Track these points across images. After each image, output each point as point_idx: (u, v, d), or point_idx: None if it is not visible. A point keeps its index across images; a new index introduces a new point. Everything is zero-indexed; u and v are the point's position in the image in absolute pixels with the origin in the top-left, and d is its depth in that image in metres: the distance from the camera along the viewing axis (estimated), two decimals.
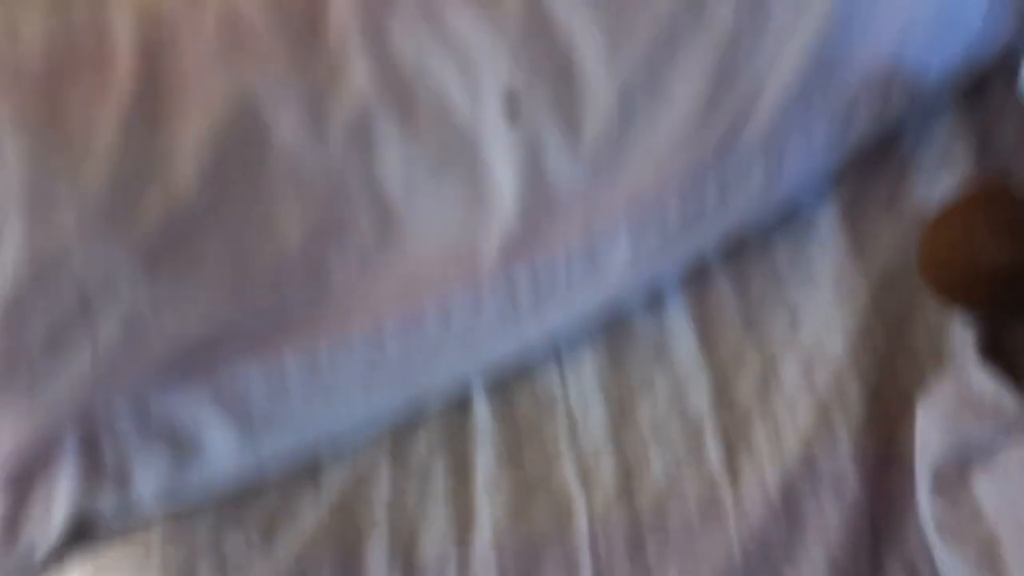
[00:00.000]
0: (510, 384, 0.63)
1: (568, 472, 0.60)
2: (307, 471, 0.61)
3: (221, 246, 0.59)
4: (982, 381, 0.57)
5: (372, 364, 0.61)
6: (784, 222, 0.66)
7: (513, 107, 0.61)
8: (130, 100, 0.57)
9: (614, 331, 0.65)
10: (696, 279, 0.66)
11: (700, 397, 0.62)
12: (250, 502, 0.59)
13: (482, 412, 0.63)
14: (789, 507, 0.57)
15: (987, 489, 0.54)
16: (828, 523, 0.56)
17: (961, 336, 0.61)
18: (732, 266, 0.66)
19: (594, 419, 0.62)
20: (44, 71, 0.57)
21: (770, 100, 0.63)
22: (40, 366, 0.56)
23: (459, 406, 0.63)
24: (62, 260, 0.56)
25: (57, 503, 0.57)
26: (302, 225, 0.60)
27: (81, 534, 0.58)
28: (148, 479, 0.58)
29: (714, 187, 0.63)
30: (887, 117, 0.67)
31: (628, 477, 0.60)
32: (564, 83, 0.62)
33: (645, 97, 0.62)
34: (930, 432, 0.57)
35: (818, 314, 0.63)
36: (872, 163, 0.68)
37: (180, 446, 0.59)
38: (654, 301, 0.65)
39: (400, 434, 0.62)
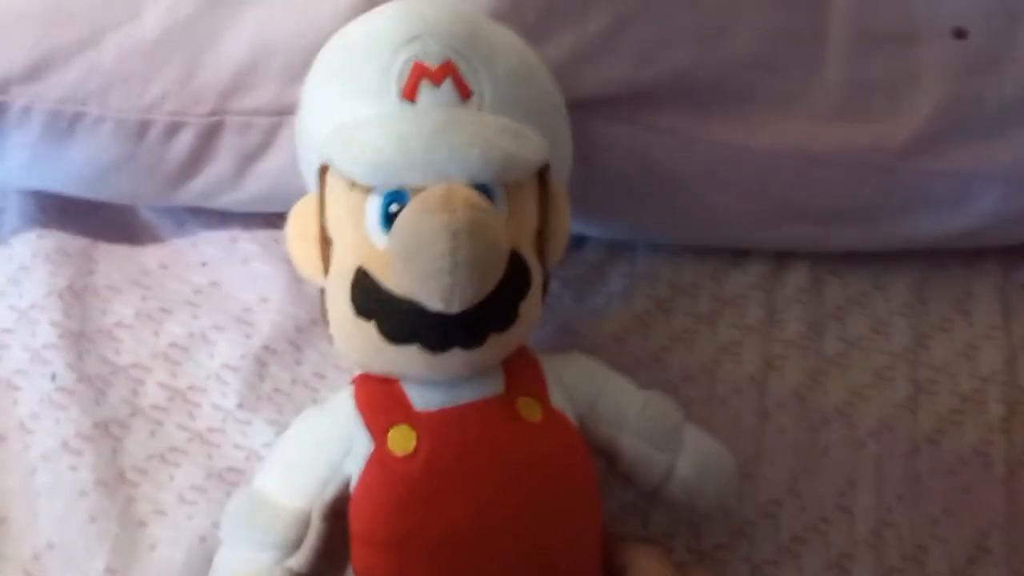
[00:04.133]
0: (828, 266, 0.66)
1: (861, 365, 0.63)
2: None
3: None
4: None
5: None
6: None
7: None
8: None
9: (926, 263, 0.66)
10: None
11: (991, 357, 0.63)
12: None
13: (799, 276, 0.64)
14: None
15: None
16: None
17: None
18: None
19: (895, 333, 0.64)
20: None
21: None
22: None
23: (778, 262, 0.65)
24: None
25: None
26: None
27: None
28: None
29: None
30: None
31: (916, 392, 0.61)
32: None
33: None
34: None
35: None
36: None
37: None
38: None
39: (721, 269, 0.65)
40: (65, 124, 0.51)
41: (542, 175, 0.45)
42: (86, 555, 0.48)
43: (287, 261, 0.56)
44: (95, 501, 0.49)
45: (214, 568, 0.44)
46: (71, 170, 0.53)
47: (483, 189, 0.40)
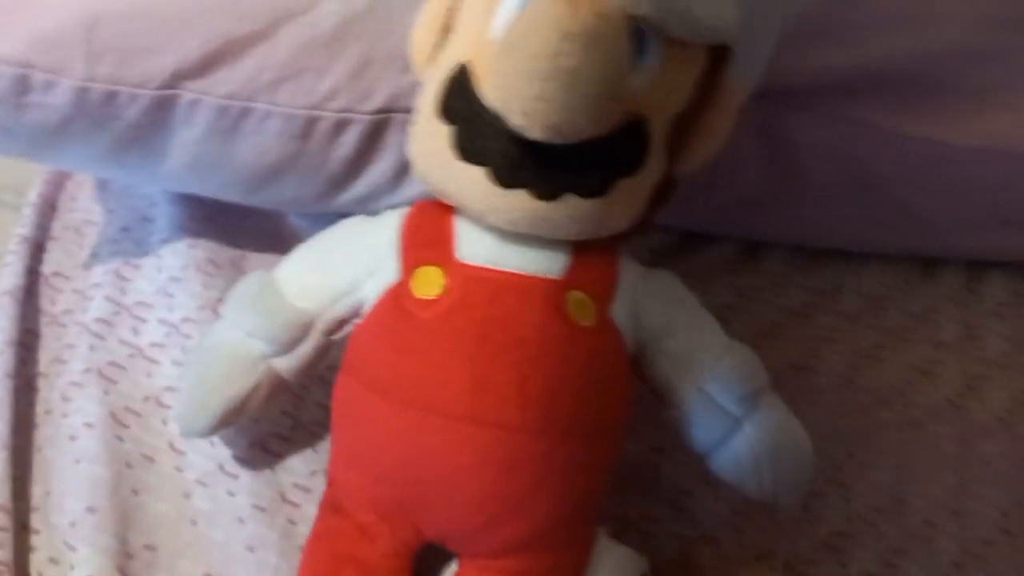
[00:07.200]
0: None
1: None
2: None
3: None
4: None
5: None
6: None
7: None
8: None
9: None
10: None
11: None
12: None
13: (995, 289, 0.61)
14: None
15: None
16: None
17: None
18: None
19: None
20: None
21: None
22: None
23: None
24: None
25: None
26: None
27: None
28: None
29: None
30: None
31: None
32: None
33: None
34: None
35: None
36: None
37: None
38: None
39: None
40: (231, 121, 0.48)
41: (717, 60, 0.39)
42: None
43: None
44: (253, 529, 0.46)
45: (207, 334, 0.43)
46: (233, 172, 0.50)
47: (639, 37, 0.35)
